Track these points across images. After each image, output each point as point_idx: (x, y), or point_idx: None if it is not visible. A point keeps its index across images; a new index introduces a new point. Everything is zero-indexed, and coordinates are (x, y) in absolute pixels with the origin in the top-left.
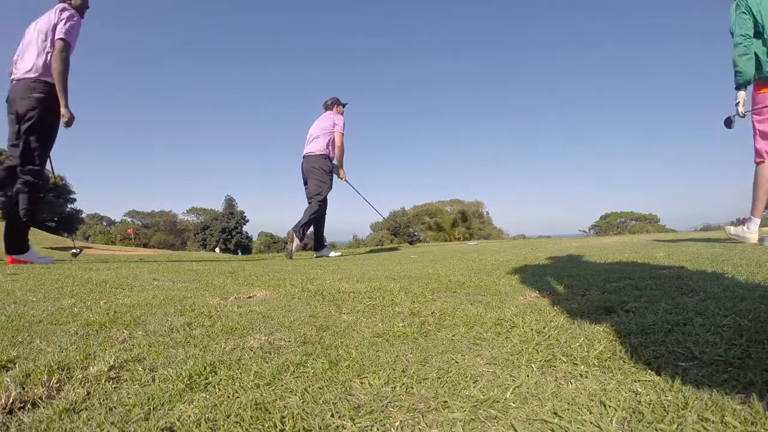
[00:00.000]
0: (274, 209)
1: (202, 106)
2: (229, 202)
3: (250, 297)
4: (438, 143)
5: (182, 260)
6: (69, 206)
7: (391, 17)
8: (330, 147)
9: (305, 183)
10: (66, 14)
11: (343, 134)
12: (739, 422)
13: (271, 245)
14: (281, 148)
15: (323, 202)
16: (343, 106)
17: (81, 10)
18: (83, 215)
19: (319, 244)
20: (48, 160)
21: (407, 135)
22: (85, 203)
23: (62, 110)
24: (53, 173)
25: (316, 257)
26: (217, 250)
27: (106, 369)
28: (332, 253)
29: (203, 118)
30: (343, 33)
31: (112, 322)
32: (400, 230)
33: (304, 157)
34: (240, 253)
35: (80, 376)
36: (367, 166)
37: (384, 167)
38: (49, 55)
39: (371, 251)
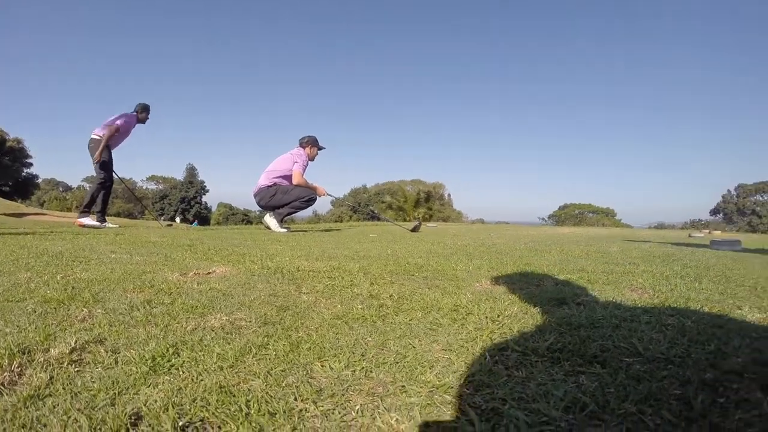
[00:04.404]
0: (235, 179)
1: (166, 71)
2: (191, 171)
3: (209, 273)
4: (401, 122)
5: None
6: (25, 171)
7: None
8: (281, 178)
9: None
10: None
11: (302, 173)
12: (674, 417)
13: (229, 217)
14: (245, 119)
15: (308, 201)
16: (319, 149)
17: (142, 121)
18: (39, 180)
19: (278, 215)
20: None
21: (371, 113)
22: (42, 168)
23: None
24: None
25: (265, 219)
26: (178, 220)
27: (67, 351)
28: (273, 225)
29: (167, 84)
30: (309, 13)
31: (71, 299)
32: (360, 208)
33: (254, 194)
34: (196, 223)
35: (42, 359)
36: (328, 139)
37: (346, 142)
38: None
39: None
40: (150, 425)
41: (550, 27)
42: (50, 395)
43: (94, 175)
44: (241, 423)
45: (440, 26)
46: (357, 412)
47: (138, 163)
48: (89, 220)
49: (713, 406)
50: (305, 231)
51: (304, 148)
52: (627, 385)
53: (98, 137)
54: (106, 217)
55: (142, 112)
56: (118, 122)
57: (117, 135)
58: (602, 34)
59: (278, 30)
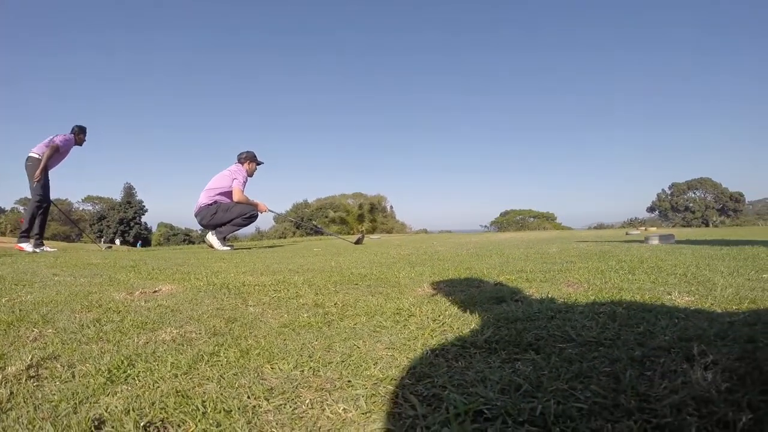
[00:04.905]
0: (174, 197)
1: (98, 88)
2: (128, 191)
3: (155, 291)
4: (340, 137)
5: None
6: None
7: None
8: (221, 196)
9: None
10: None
11: (242, 189)
12: (603, 390)
13: (171, 237)
14: (180, 134)
15: (250, 218)
16: (258, 164)
17: (79, 143)
18: None
19: (221, 233)
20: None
21: (307, 127)
22: None
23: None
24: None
25: (207, 238)
26: (117, 242)
27: (24, 368)
28: (216, 243)
29: (99, 101)
30: (238, 23)
31: (19, 320)
32: (303, 223)
33: (195, 213)
34: (140, 244)
35: None
36: (267, 154)
37: (284, 157)
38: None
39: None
40: (113, 427)
41: (480, 38)
42: (12, 408)
43: (29, 196)
44: (199, 420)
45: (372, 39)
46: (307, 405)
47: (73, 184)
48: (29, 246)
49: (641, 378)
50: (249, 248)
51: (242, 164)
52: (559, 366)
53: (37, 156)
54: (44, 241)
55: (80, 134)
56: (58, 141)
57: (55, 155)
58: (532, 42)
59: (209, 43)
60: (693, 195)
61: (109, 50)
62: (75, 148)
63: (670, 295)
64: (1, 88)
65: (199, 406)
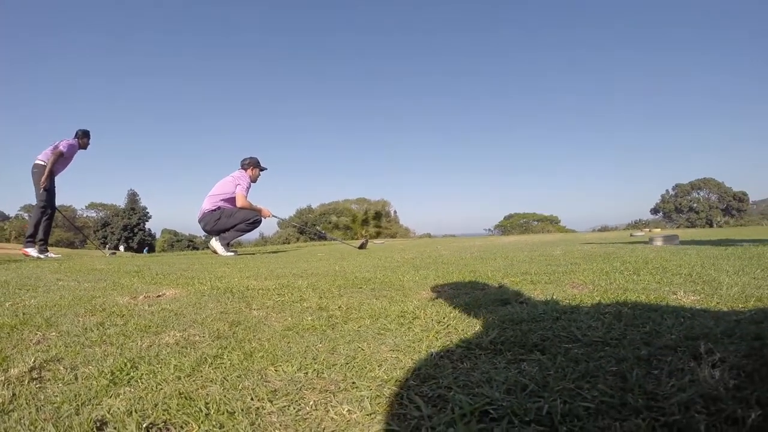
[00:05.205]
0: (177, 203)
1: (101, 94)
2: (132, 197)
3: (159, 296)
4: (343, 141)
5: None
6: None
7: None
8: (224, 202)
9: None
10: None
11: (245, 195)
12: (610, 389)
13: (174, 243)
14: (183, 140)
15: (254, 223)
16: (261, 170)
17: (83, 147)
18: None
19: (224, 239)
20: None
21: (313, 131)
22: None
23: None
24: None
25: (211, 244)
26: (121, 248)
27: (27, 370)
28: (220, 249)
29: (101, 108)
30: (239, 26)
31: (23, 324)
32: (307, 228)
33: (199, 219)
34: (146, 250)
35: (2, 378)
36: (270, 160)
37: (286, 163)
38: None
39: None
40: (116, 428)
41: (480, 38)
42: (14, 410)
43: (35, 202)
44: (201, 422)
45: (372, 40)
46: (311, 407)
47: (77, 190)
48: (35, 251)
49: (648, 377)
50: (253, 253)
51: (245, 169)
52: (565, 366)
53: (43, 163)
54: (48, 247)
55: (83, 138)
56: (62, 147)
57: (60, 161)
58: (532, 42)
59: (214, 48)
60: (697, 195)
61: (110, 51)
62: (79, 153)
63: (676, 294)
64: (2, 89)
65: (202, 408)
